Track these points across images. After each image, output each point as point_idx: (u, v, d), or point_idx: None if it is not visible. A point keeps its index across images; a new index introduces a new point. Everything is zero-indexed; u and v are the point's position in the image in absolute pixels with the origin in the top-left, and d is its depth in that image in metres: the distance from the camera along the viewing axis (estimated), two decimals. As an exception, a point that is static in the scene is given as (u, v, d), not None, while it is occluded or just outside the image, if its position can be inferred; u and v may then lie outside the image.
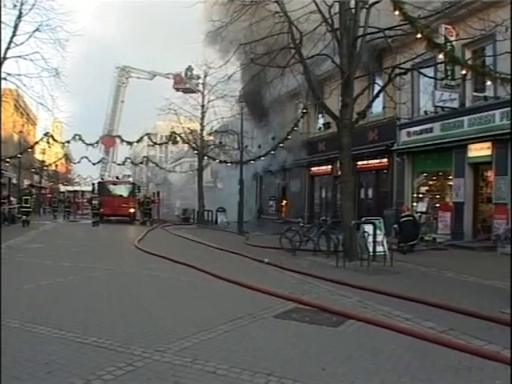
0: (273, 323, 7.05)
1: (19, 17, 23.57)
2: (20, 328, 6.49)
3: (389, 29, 15.29)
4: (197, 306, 8.14)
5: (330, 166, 27.25)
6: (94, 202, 33.17)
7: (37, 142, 41.60)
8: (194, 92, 39.53)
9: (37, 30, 23.84)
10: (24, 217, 28.05)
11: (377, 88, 18.31)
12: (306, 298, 8.55)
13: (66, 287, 9.60)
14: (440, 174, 21.09)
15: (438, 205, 20.57)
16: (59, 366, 5.11)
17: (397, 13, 12.49)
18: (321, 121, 29.58)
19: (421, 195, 21.64)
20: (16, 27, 23.72)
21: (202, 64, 34.93)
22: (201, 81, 36.42)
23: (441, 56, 14.42)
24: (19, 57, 23.84)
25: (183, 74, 49.44)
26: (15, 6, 23.00)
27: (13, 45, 23.79)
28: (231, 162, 34.25)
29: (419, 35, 12.86)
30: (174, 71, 50.24)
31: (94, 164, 45.60)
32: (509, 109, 16.30)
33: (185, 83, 48.03)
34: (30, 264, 12.81)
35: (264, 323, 7.04)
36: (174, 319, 7.14)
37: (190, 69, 47.58)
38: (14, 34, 23.71)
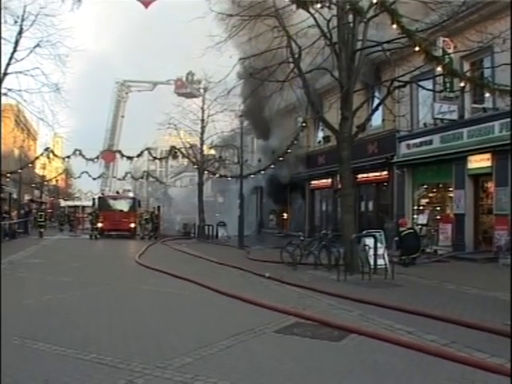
0: (274, 338, 7.02)
1: (20, 33, 23.78)
2: (20, 344, 6.46)
3: (387, 42, 15.38)
4: (197, 322, 8.10)
5: (330, 180, 27.24)
6: (89, 216, 33.98)
7: (37, 157, 41.58)
8: (195, 97, 39.55)
9: (37, 45, 24.02)
10: (38, 228, 33.45)
11: (376, 101, 18.38)
12: (307, 313, 8.51)
13: (66, 303, 9.57)
14: (440, 185, 21.10)
15: (438, 217, 20.54)
16: (59, 383, 5.08)
17: (395, 26, 12.54)
18: (320, 134, 29.64)
19: (421, 207, 21.62)
20: (17, 43, 23.92)
21: (202, 78, 35.15)
22: (202, 85, 36.47)
23: (439, 68, 14.45)
24: (20, 72, 23.99)
25: (184, 79, 49.65)
26: (16, 22, 23.22)
27: (13, 60, 23.97)
28: (231, 177, 34.26)
29: (417, 48, 12.90)
30: (176, 76, 50.52)
31: (94, 179, 45.62)
32: (508, 120, 16.35)
33: (186, 87, 48.21)
34: (31, 279, 12.79)
35: (265, 338, 7.00)
36: (175, 335, 7.11)
37: (190, 73, 47.87)
38: (14, 50, 23.90)
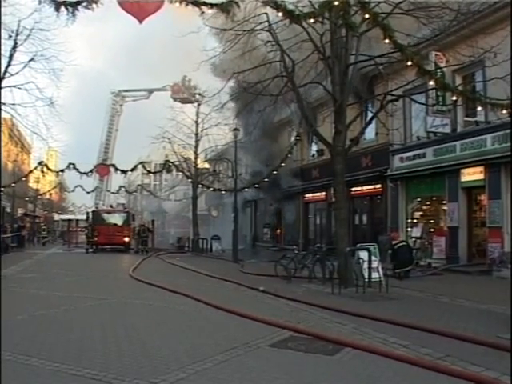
0: (268, 352, 6.98)
1: (14, 47, 23.80)
2: (13, 360, 6.39)
3: (380, 56, 15.50)
4: (191, 336, 8.05)
5: (324, 193, 27.30)
6: (85, 230, 34.27)
7: (31, 171, 41.52)
8: (191, 102, 39.60)
9: (31, 59, 24.02)
10: (42, 239, 43.32)
11: (369, 115, 18.46)
12: (301, 326, 8.49)
13: (59, 318, 9.50)
14: (434, 198, 21.16)
15: (432, 229, 20.59)
16: (52, 399, 5.03)
17: (387, 41, 12.63)
18: (314, 148, 29.73)
19: (415, 220, 21.66)
20: (11, 57, 23.96)
21: (198, 87, 35.35)
22: (198, 91, 36.65)
23: (432, 82, 14.56)
24: (14, 86, 24.01)
25: (180, 84, 49.83)
26: (10, 36, 23.24)
27: (8, 75, 23.97)
28: (225, 190, 34.24)
29: (409, 62, 12.99)
30: (172, 82, 50.62)
31: (88, 193, 45.57)
32: (500, 133, 16.48)
33: (183, 92, 48.38)
34: (24, 294, 12.68)
35: (259, 353, 6.97)
36: (169, 349, 7.06)
37: (187, 79, 48.15)
38: (8, 64, 23.90)
